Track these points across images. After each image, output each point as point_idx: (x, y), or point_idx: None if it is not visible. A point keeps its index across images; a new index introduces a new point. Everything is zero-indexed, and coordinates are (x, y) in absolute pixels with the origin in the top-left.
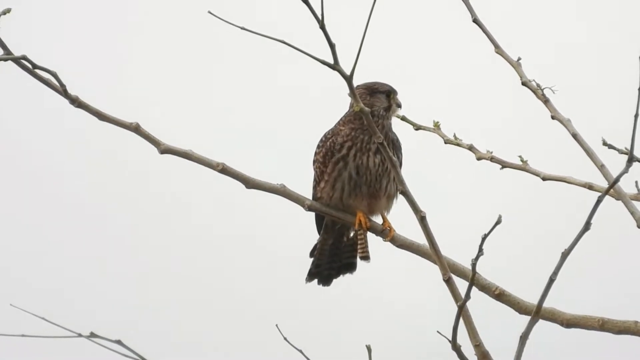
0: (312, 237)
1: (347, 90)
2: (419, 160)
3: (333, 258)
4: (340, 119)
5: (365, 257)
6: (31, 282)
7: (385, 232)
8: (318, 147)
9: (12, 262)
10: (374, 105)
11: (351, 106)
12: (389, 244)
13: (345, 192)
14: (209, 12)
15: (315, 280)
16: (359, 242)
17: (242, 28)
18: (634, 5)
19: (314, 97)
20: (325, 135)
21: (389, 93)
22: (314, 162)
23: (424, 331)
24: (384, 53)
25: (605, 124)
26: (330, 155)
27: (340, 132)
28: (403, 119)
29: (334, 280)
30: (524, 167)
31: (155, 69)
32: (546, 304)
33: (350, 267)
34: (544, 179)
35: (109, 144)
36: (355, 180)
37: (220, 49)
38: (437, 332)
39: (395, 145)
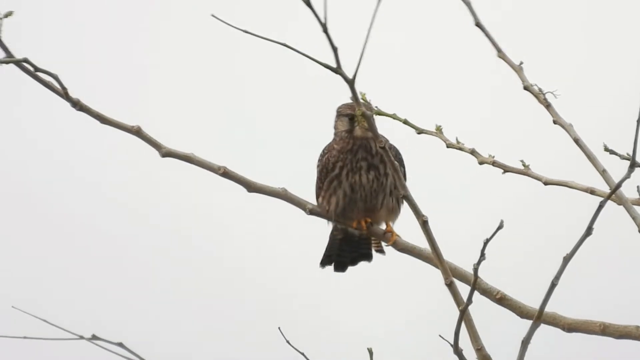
0: (313, 240)
1: (350, 94)
2: (421, 164)
3: (345, 250)
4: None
5: (381, 251)
6: (33, 285)
7: (387, 236)
8: (318, 160)
9: (13, 264)
10: (337, 127)
11: (335, 127)
12: (390, 248)
13: (339, 207)
14: (212, 16)
15: (332, 267)
16: (373, 237)
17: (245, 31)
18: (636, 10)
19: (316, 100)
20: (323, 150)
21: (352, 117)
22: (317, 173)
23: (425, 335)
24: (387, 57)
25: (607, 128)
26: (326, 172)
27: (333, 151)
28: (405, 122)
29: (350, 269)
30: (525, 171)
31: (157, 72)
32: (547, 309)
33: (367, 257)
34: (545, 183)
35: (110, 147)
36: (349, 197)
37: (223, 52)
38: (439, 336)
39: (396, 157)
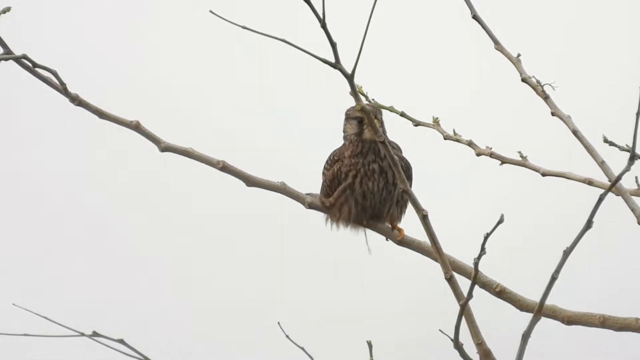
0: (313, 234)
1: (349, 89)
2: (418, 157)
3: None
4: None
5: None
6: (33, 282)
7: (394, 233)
8: (327, 163)
9: (14, 261)
10: (347, 130)
11: (344, 131)
12: (389, 241)
13: (352, 215)
14: (211, 12)
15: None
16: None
17: (244, 27)
18: (635, 1)
19: (316, 95)
20: (332, 157)
21: (361, 120)
22: (323, 174)
23: (425, 329)
24: (385, 51)
25: (605, 120)
26: (337, 182)
27: (344, 160)
28: (402, 115)
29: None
30: (523, 162)
31: (156, 68)
32: (547, 301)
33: None
34: (543, 174)
35: (109, 142)
36: (361, 205)
37: (221, 48)
38: (440, 330)
39: (402, 167)
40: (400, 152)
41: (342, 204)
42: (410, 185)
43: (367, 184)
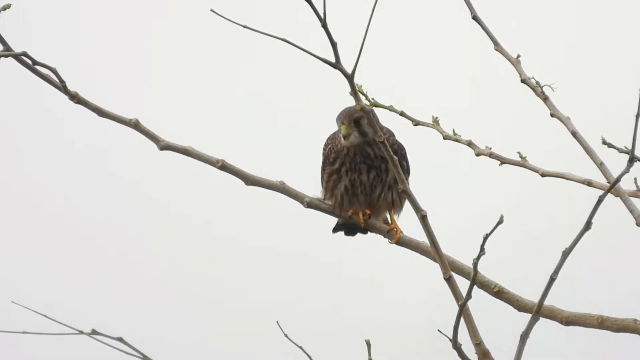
0: (311, 233)
1: (349, 89)
2: (418, 156)
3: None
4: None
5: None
6: (33, 279)
7: (391, 233)
8: (323, 148)
9: (13, 259)
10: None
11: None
12: (388, 240)
13: (345, 201)
14: (211, 10)
15: (342, 233)
16: (374, 232)
17: (244, 26)
18: (635, 3)
19: (316, 94)
20: (327, 140)
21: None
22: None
23: (424, 329)
24: (385, 51)
25: (604, 122)
26: (327, 163)
27: (337, 145)
28: (402, 114)
29: (360, 236)
30: (522, 163)
31: (156, 66)
32: (545, 302)
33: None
34: (542, 175)
35: (108, 140)
36: (351, 191)
37: (222, 46)
38: (438, 330)
39: (398, 154)
40: (393, 136)
41: (333, 188)
42: (408, 165)
43: (353, 175)
